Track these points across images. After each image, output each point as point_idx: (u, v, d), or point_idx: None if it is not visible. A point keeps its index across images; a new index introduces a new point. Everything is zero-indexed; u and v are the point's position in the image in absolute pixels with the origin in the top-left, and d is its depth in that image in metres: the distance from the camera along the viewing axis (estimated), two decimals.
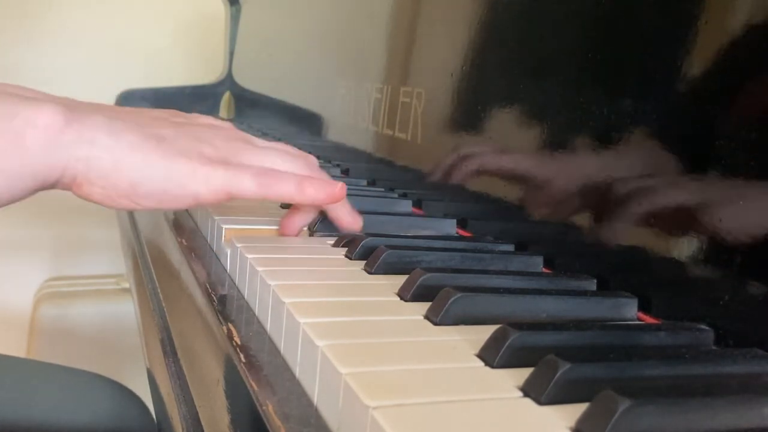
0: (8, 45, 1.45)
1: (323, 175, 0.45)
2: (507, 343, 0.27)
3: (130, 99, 1.29)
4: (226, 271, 0.46)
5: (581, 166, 0.41)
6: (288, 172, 0.41)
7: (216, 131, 0.43)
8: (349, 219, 0.46)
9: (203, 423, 0.34)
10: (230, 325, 0.36)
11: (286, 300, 0.33)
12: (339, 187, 0.42)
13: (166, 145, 0.38)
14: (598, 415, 0.22)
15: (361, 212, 0.53)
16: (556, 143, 0.43)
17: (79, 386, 0.72)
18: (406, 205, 0.60)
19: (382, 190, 0.66)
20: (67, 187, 0.37)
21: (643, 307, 0.35)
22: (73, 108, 0.37)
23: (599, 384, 0.22)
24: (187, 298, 0.45)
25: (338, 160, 0.80)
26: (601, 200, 0.39)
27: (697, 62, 0.34)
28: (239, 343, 0.34)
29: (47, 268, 1.52)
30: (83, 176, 0.36)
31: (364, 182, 0.70)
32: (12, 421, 0.62)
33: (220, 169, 0.39)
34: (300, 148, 0.84)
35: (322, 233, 0.49)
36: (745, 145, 0.31)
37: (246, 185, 0.39)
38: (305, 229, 0.50)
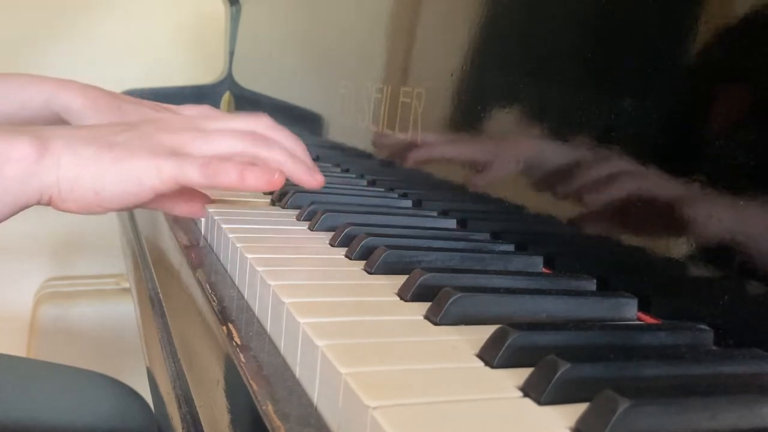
0: (9, 45, 1.45)
1: (276, 144, 0.48)
2: (507, 343, 0.27)
3: None
4: (226, 271, 0.46)
5: (581, 166, 0.41)
6: (230, 162, 0.44)
7: (168, 125, 0.47)
8: (307, 178, 0.49)
9: (203, 423, 0.34)
10: (230, 325, 0.36)
11: (286, 300, 0.33)
12: (277, 175, 0.44)
13: (118, 150, 0.42)
14: (598, 415, 0.22)
15: (361, 212, 0.53)
16: (555, 143, 0.43)
17: (81, 385, 0.72)
18: (406, 206, 0.60)
19: (382, 190, 0.66)
20: (46, 205, 0.42)
21: (643, 307, 0.35)
22: (39, 136, 0.41)
23: (599, 384, 0.22)
24: (187, 298, 0.45)
25: (338, 160, 0.80)
26: (601, 200, 0.39)
27: (697, 62, 0.34)
28: (239, 343, 0.34)
29: (47, 268, 1.52)
30: (56, 195, 0.41)
31: (364, 182, 0.70)
32: (13, 420, 0.62)
33: (170, 161, 0.42)
34: None
35: (321, 230, 0.49)
36: (745, 145, 0.31)
37: (192, 175, 0.43)
38: (305, 228, 0.50)
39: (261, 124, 0.50)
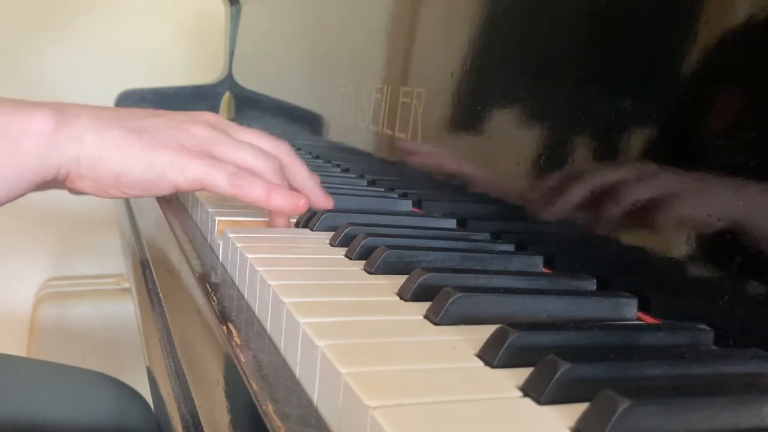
0: (9, 46, 1.45)
1: (297, 165, 0.49)
2: (507, 343, 0.27)
3: (130, 99, 1.29)
4: (226, 271, 0.46)
5: (581, 166, 0.41)
6: (260, 179, 0.44)
7: (195, 121, 0.45)
8: (317, 201, 0.50)
9: (203, 423, 0.34)
10: (230, 325, 0.36)
11: (286, 300, 0.33)
12: (303, 203, 0.45)
13: (147, 137, 0.41)
14: (597, 414, 0.22)
15: (361, 212, 0.53)
16: (556, 143, 0.43)
17: (81, 384, 0.72)
18: (406, 205, 0.60)
19: (382, 190, 0.66)
20: (61, 184, 0.41)
21: (643, 307, 0.35)
22: (61, 111, 0.40)
23: (599, 384, 0.22)
24: (187, 298, 0.45)
25: (338, 160, 0.80)
26: (601, 200, 0.39)
27: (697, 62, 0.34)
28: (239, 343, 0.34)
29: (47, 268, 1.52)
30: (75, 172, 0.40)
31: (364, 182, 0.70)
32: (14, 419, 0.62)
33: (197, 161, 0.42)
34: (300, 148, 0.84)
35: (322, 229, 0.49)
36: (745, 145, 0.31)
37: (220, 182, 0.42)
38: (306, 228, 0.50)
39: (282, 149, 0.50)
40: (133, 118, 0.43)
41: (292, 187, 0.49)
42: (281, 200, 0.44)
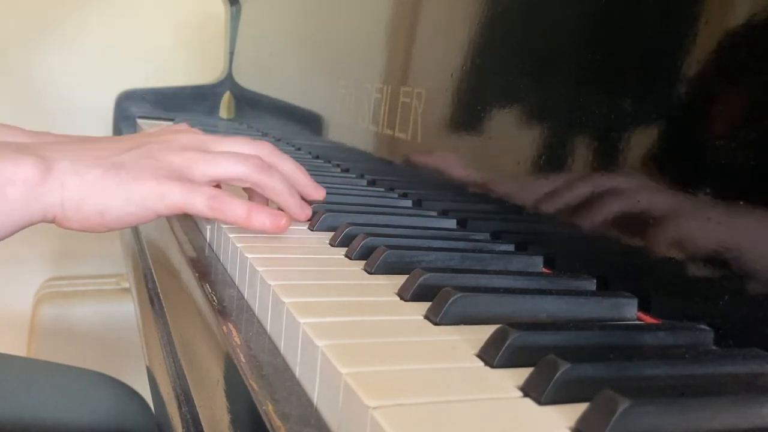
0: (10, 46, 1.45)
1: (283, 162, 0.50)
2: (507, 343, 0.27)
3: (130, 99, 1.30)
4: (226, 271, 0.46)
5: (581, 166, 0.41)
6: (240, 200, 0.44)
7: (171, 147, 0.46)
8: (297, 212, 0.50)
9: (203, 423, 0.34)
10: (230, 325, 0.36)
11: (286, 300, 0.33)
12: (285, 221, 0.45)
13: (124, 172, 0.43)
14: (597, 415, 0.22)
15: (361, 212, 0.53)
16: (555, 143, 0.43)
17: (81, 384, 0.72)
18: (406, 205, 0.60)
19: (382, 190, 0.66)
20: (49, 222, 0.43)
21: (643, 307, 0.35)
22: (44, 157, 0.41)
23: (599, 384, 0.22)
24: (187, 298, 0.45)
25: (338, 160, 0.80)
26: (602, 200, 0.39)
27: (697, 63, 0.34)
28: (239, 343, 0.34)
29: (47, 268, 1.52)
30: (60, 215, 0.42)
31: (364, 182, 0.70)
32: (13, 419, 0.62)
33: (176, 188, 0.43)
34: (300, 149, 0.84)
35: (322, 230, 0.49)
36: (745, 145, 0.31)
37: (199, 206, 0.43)
38: (305, 228, 0.50)
39: (264, 150, 0.50)
40: (111, 153, 0.44)
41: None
42: (262, 220, 0.45)
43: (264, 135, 1.11)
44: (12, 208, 0.40)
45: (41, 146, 0.44)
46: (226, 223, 0.46)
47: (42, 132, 0.56)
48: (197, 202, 0.43)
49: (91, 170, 0.42)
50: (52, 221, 0.43)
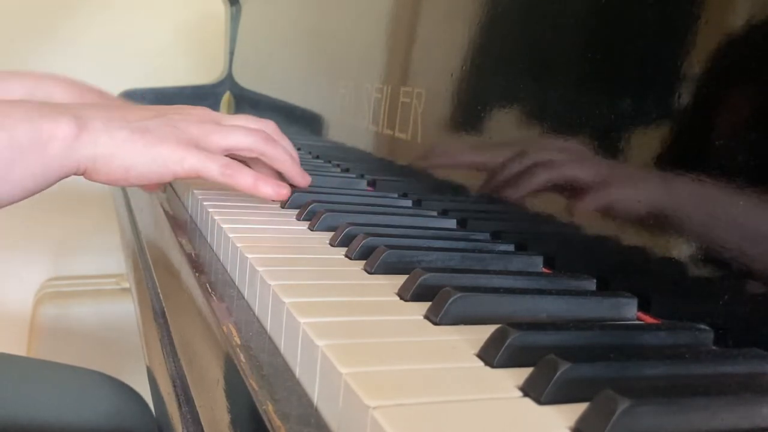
0: (10, 46, 1.45)
1: (280, 145, 0.56)
2: (507, 343, 0.27)
3: (130, 99, 1.29)
4: (226, 270, 0.46)
5: (581, 166, 0.41)
6: (249, 170, 0.51)
7: (190, 116, 0.53)
8: (299, 179, 0.58)
9: (203, 423, 0.34)
10: (230, 325, 0.36)
11: (286, 300, 0.33)
12: (286, 191, 0.53)
13: (149, 135, 0.49)
14: (597, 415, 0.22)
15: (361, 211, 0.53)
16: (555, 143, 0.43)
17: (80, 384, 0.72)
18: (406, 205, 0.60)
19: (382, 190, 0.66)
20: (80, 174, 0.48)
21: (643, 307, 0.35)
22: (79, 116, 0.47)
23: (599, 384, 0.22)
24: (187, 298, 0.45)
25: (338, 160, 0.80)
26: (602, 200, 0.39)
27: (697, 63, 0.34)
28: (239, 343, 0.34)
29: (47, 268, 1.52)
30: (91, 168, 0.48)
31: (364, 182, 0.70)
32: (13, 418, 0.62)
33: (194, 154, 0.49)
34: (300, 149, 0.84)
35: (321, 230, 0.49)
36: (745, 145, 0.31)
37: (213, 171, 0.49)
38: (305, 228, 0.50)
39: (269, 127, 0.57)
40: (137, 117, 0.50)
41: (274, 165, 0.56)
42: (267, 189, 0.51)
43: None
44: (52, 161, 0.45)
45: (77, 107, 0.49)
46: (234, 187, 0.51)
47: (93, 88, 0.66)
48: (212, 167, 0.49)
49: (121, 131, 0.48)
50: (83, 173, 0.48)
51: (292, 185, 0.57)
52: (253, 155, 0.54)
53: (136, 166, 0.48)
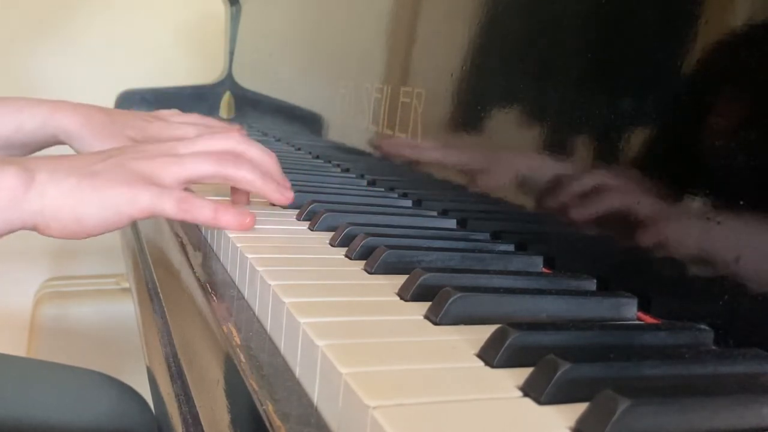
0: (10, 46, 1.45)
1: (247, 164, 0.50)
2: (507, 343, 0.27)
3: (130, 99, 1.30)
4: (226, 271, 0.46)
5: (581, 166, 0.41)
6: (206, 201, 0.47)
7: (145, 152, 0.49)
8: (276, 196, 0.51)
9: (203, 423, 0.34)
10: (230, 325, 0.36)
11: (286, 300, 0.33)
12: (249, 219, 0.47)
13: (98, 179, 0.45)
14: (597, 414, 0.22)
15: (361, 211, 0.53)
16: (556, 143, 0.43)
17: (80, 384, 0.72)
18: (406, 205, 0.60)
19: (382, 190, 0.66)
20: (29, 230, 0.45)
21: (643, 307, 0.35)
22: (26, 168, 0.44)
23: (599, 384, 0.22)
24: (187, 298, 0.45)
25: (338, 160, 0.80)
26: (601, 200, 0.39)
27: (697, 63, 0.34)
28: (239, 343, 0.34)
29: (47, 268, 1.52)
30: (41, 222, 0.44)
31: (364, 182, 0.70)
32: (13, 419, 0.62)
33: (147, 192, 0.45)
34: (300, 149, 0.84)
35: (321, 229, 0.49)
36: (745, 146, 0.31)
37: (168, 209, 0.45)
38: (306, 228, 0.50)
39: (232, 141, 0.52)
40: (85, 163, 0.47)
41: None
42: (227, 220, 0.46)
43: (264, 135, 1.11)
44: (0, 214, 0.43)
45: (21, 160, 0.46)
46: (193, 222, 0.48)
47: (63, 101, 0.62)
48: (166, 205, 0.45)
49: (68, 179, 0.45)
50: (33, 229, 0.45)
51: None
52: (217, 181, 0.50)
53: (86, 215, 0.44)
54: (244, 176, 0.50)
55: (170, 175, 0.48)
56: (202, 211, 0.46)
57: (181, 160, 0.49)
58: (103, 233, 0.46)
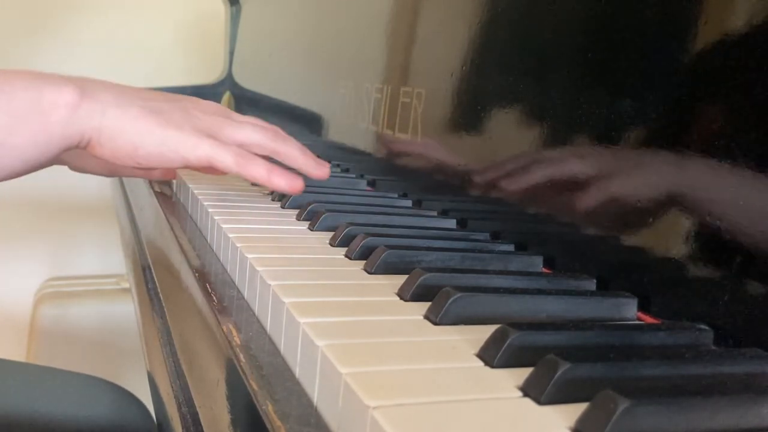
0: (10, 46, 1.45)
1: (291, 142, 0.54)
2: (507, 343, 0.27)
3: None
4: (226, 271, 0.46)
5: (581, 166, 0.41)
6: (262, 160, 0.49)
7: (203, 108, 0.52)
8: (315, 172, 0.54)
9: (203, 423, 0.34)
10: (230, 325, 0.36)
11: (286, 300, 0.33)
12: (300, 184, 0.50)
13: (163, 117, 0.47)
14: (597, 414, 0.22)
15: (361, 211, 0.53)
16: (555, 143, 0.43)
17: (80, 390, 0.72)
18: (406, 205, 0.60)
19: (382, 190, 0.66)
20: (83, 148, 0.46)
21: (643, 307, 0.35)
22: (86, 86, 0.45)
23: (599, 384, 0.22)
24: (187, 298, 0.45)
25: (338, 160, 0.80)
26: (601, 200, 0.39)
27: (697, 62, 0.34)
28: (239, 343, 0.34)
29: (47, 268, 1.52)
30: (96, 140, 0.45)
31: (364, 182, 0.70)
32: (13, 425, 0.62)
33: (207, 141, 0.47)
34: None
35: (321, 230, 0.49)
36: (745, 144, 0.31)
37: (227, 161, 0.48)
38: (305, 228, 0.50)
39: (277, 129, 0.56)
40: (150, 99, 0.48)
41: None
42: (281, 180, 0.49)
43: None
44: (55, 129, 0.44)
45: (85, 79, 0.47)
46: (247, 177, 0.49)
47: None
48: (226, 156, 0.47)
49: (132, 107, 0.46)
50: (86, 146, 0.46)
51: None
52: (264, 152, 0.53)
53: (145, 145, 0.46)
54: (291, 151, 0.53)
55: (227, 133, 0.50)
56: (257, 167, 0.48)
57: (238, 123, 0.52)
58: (151, 167, 0.49)
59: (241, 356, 0.32)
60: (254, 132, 0.52)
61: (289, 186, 0.50)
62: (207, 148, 0.47)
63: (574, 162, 0.41)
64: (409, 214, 0.55)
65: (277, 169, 0.49)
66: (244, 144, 0.51)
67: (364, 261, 0.41)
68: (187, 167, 0.50)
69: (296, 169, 0.54)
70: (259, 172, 0.48)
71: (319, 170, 0.54)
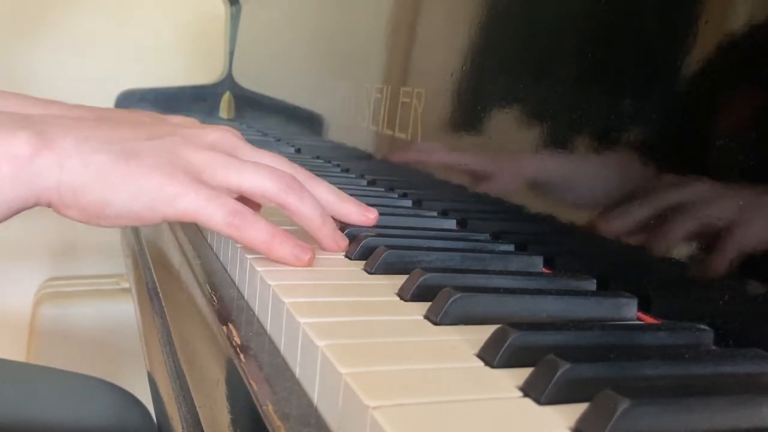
0: (11, 46, 1.45)
1: (310, 195, 0.42)
2: (507, 343, 0.27)
3: (130, 99, 1.30)
4: (226, 270, 0.46)
5: (580, 166, 0.41)
6: (264, 222, 0.39)
7: (199, 140, 0.41)
8: (329, 245, 0.43)
9: (203, 423, 0.34)
10: (230, 325, 0.36)
11: (286, 300, 0.33)
12: (309, 257, 0.39)
13: (136, 162, 0.37)
14: (598, 415, 0.22)
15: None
16: (555, 143, 0.43)
17: (80, 390, 0.72)
18: (406, 205, 0.60)
19: (383, 190, 0.66)
20: (47, 207, 0.38)
21: (643, 307, 0.35)
22: (46, 131, 0.37)
23: (599, 384, 0.22)
24: (187, 298, 0.45)
25: (338, 160, 0.80)
26: (601, 200, 0.39)
27: (697, 62, 0.34)
28: (239, 343, 0.34)
29: (47, 268, 1.52)
30: (57, 200, 0.37)
31: (364, 182, 0.70)
32: (12, 426, 0.62)
33: (192, 193, 0.37)
34: (300, 149, 0.84)
35: None
36: (745, 145, 0.31)
37: (216, 220, 0.38)
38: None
39: (300, 172, 0.44)
40: (126, 138, 0.39)
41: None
42: (282, 252, 0.39)
43: (264, 135, 1.11)
44: (2, 186, 0.36)
45: (46, 120, 0.38)
46: (242, 244, 0.40)
47: (55, 102, 0.51)
48: (214, 213, 0.37)
49: (97, 155, 0.37)
50: (48, 206, 0.38)
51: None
52: (272, 204, 0.41)
53: (112, 203, 0.37)
54: (304, 211, 0.41)
55: (222, 176, 0.39)
56: (257, 233, 0.38)
57: (239, 164, 0.40)
58: (127, 225, 0.39)
59: (241, 356, 0.32)
60: (262, 177, 0.40)
61: (294, 258, 0.39)
62: (190, 201, 0.37)
63: (574, 161, 0.41)
64: (409, 214, 0.55)
65: (282, 234, 0.39)
66: (245, 192, 0.40)
67: (364, 261, 0.41)
68: (171, 222, 0.40)
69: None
70: (259, 238, 0.38)
71: (335, 244, 0.43)
